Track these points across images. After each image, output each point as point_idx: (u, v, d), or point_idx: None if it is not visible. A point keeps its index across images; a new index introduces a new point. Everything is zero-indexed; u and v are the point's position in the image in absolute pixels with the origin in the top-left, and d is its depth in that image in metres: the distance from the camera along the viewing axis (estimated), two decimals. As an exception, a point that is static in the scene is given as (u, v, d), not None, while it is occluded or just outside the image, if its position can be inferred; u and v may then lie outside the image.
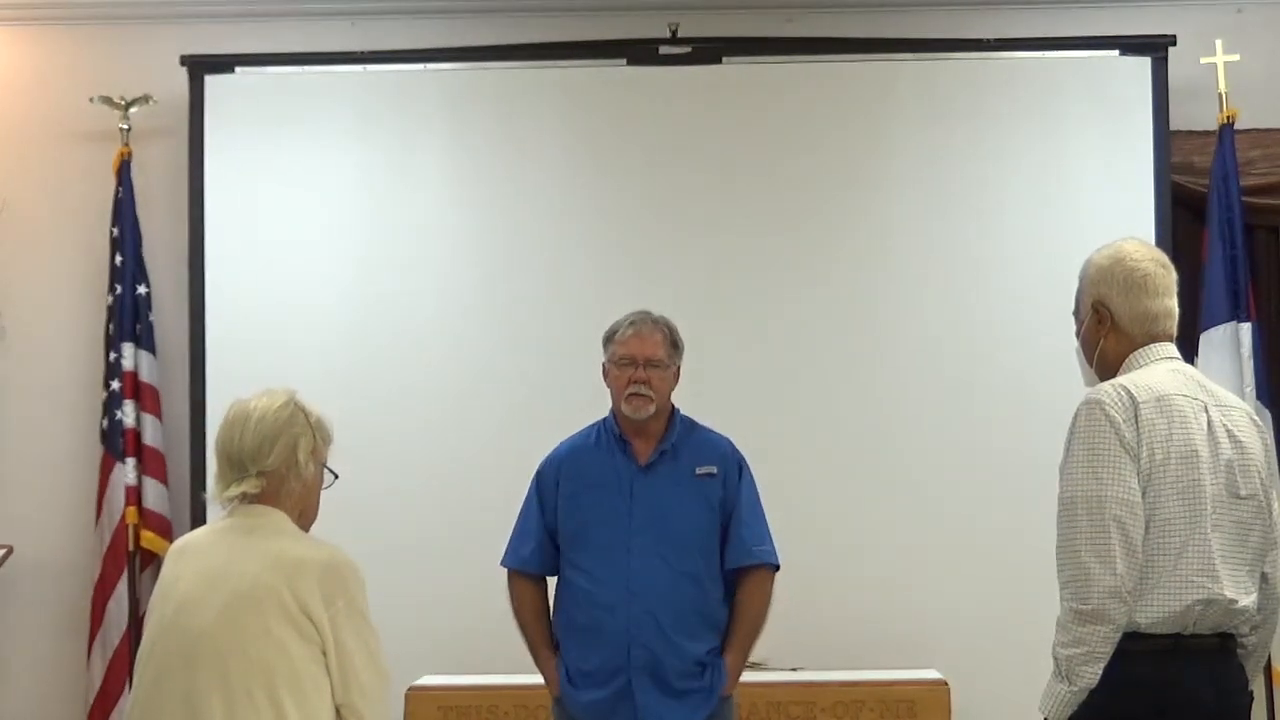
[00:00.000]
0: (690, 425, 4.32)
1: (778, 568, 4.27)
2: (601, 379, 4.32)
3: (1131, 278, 3.23)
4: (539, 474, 4.35)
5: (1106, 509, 3.02)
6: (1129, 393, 3.09)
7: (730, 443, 4.32)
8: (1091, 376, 3.30)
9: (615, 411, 4.28)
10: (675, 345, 4.29)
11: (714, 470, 4.23)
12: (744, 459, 4.30)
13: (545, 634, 4.27)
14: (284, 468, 3.14)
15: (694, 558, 4.17)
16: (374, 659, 3.09)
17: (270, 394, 3.21)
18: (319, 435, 3.21)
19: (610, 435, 4.29)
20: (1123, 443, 3.05)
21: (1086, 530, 3.03)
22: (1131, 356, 3.22)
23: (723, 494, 4.22)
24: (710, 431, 4.35)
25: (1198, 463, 3.08)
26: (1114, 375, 3.20)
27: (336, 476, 3.27)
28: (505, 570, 4.35)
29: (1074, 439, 3.10)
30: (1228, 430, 3.16)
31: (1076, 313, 3.35)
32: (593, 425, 4.36)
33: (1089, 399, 3.12)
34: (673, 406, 4.31)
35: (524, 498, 4.36)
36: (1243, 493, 3.13)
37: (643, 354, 4.21)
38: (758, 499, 4.28)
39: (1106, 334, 3.25)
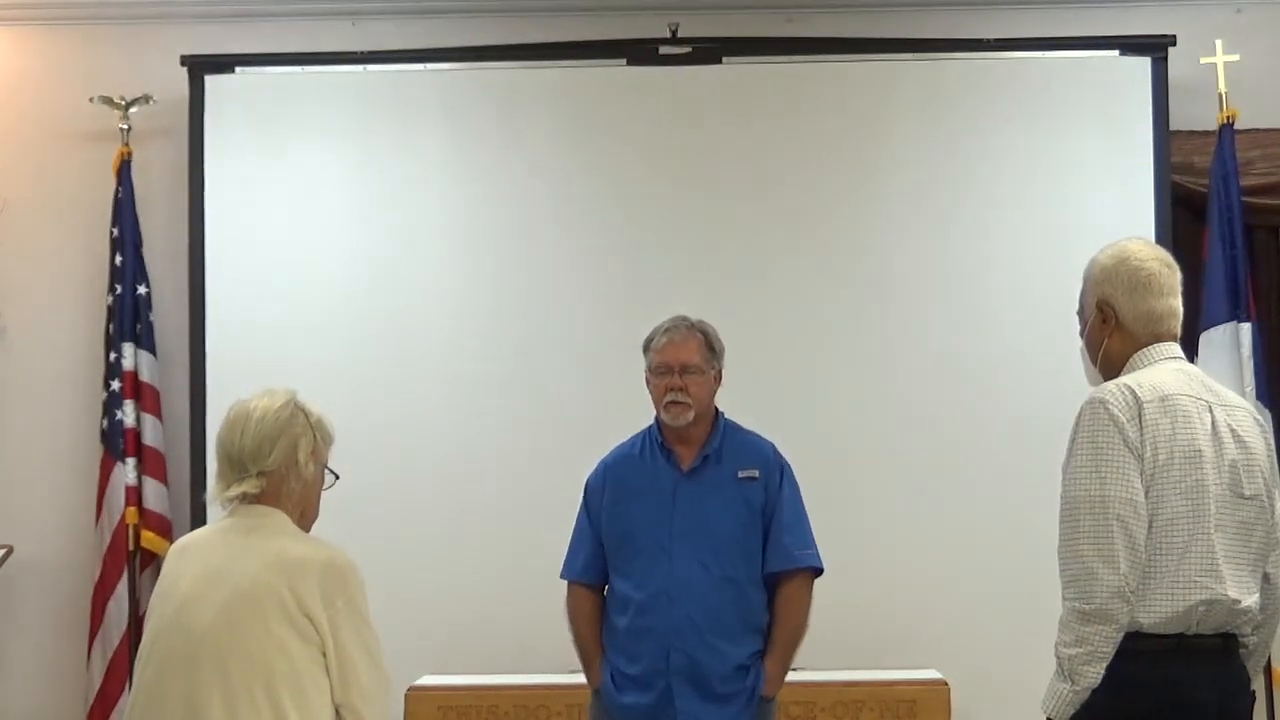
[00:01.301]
0: (734, 429, 4.30)
1: (820, 571, 4.24)
2: (637, 385, 4.32)
3: (1136, 277, 3.23)
4: (587, 485, 4.34)
5: (1110, 508, 3.02)
6: (1133, 392, 3.09)
7: (773, 446, 4.30)
8: (1095, 376, 3.30)
9: (657, 419, 4.27)
10: (713, 349, 4.27)
11: (755, 474, 4.20)
12: (786, 463, 4.27)
13: (596, 643, 4.24)
14: (284, 468, 3.14)
15: (734, 562, 4.15)
16: (373, 659, 3.09)
17: (271, 394, 3.21)
18: (319, 435, 3.21)
19: (654, 443, 4.27)
20: (1126, 442, 3.05)
21: (1090, 530, 3.02)
22: (1135, 356, 3.21)
23: (764, 497, 4.19)
24: (753, 435, 4.32)
25: (1201, 462, 3.08)
26: (1118, 374, 3.20)
27: (337, 477, 3.27)
28: (554, 580, 4.33)
29: (1078, 438, 3.10)
30: (1232, 430, 3.15)
31: (1081, 312, 3.34)
32: (638, 434, 4.34)
33: (1093, 398, 3.11)
34: (716, 410, 4.29)
35: (577, 511, 4.36)
36: (1246, 493, 3.13)
37: (678, 360, 4.19)
38: (801, 503, 4.25)
39: (1111, 333, 3.25)
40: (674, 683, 4.10)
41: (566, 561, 4.32)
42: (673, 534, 4.15)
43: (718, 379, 4.29)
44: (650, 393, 4.26)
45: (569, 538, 4.35)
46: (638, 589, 4.15)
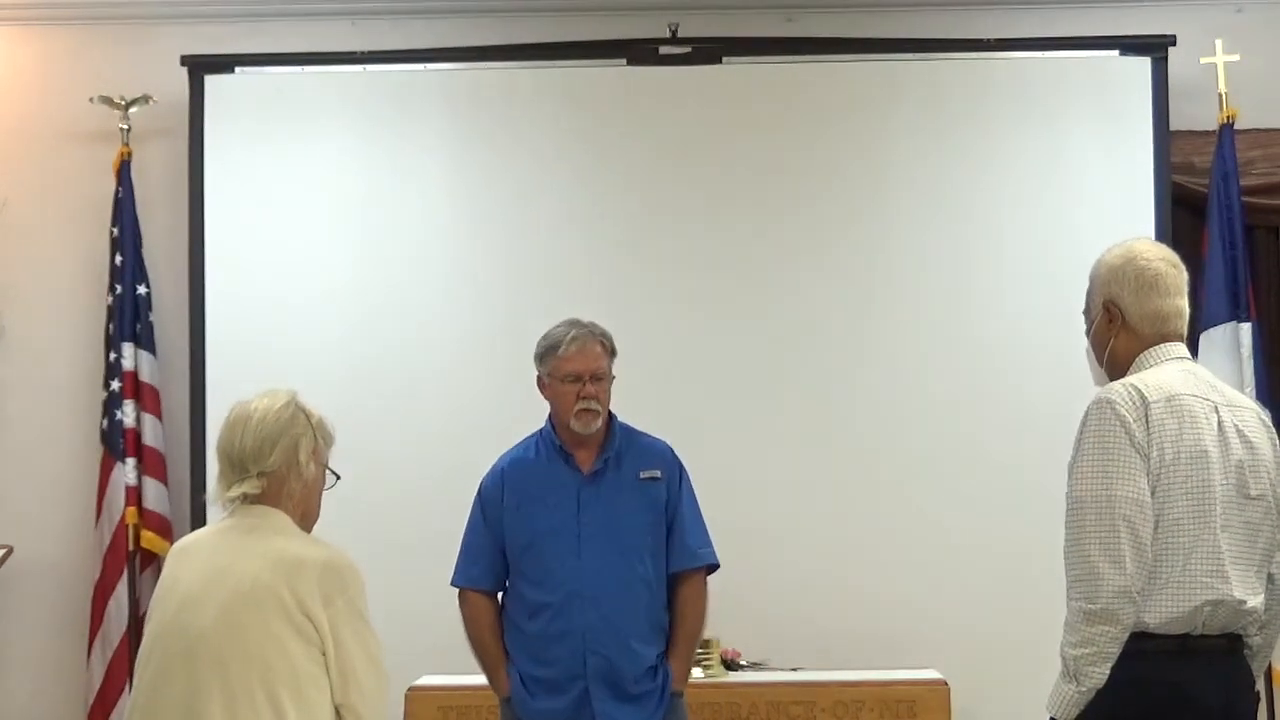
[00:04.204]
0: (630, 432, 4.31)
1: (716, 567, 4.28)
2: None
3: (1143, 277, 3.23)
4: (481, 491, 4.31)
5: (1116, 508, 3.02)
6: (1139, 392, 3.09)
7: (670, 447, 4.32)
8: (1101, 375, 3.30)
9: (556, 424, 4.25)
10: (613, 353, 4.28)
11: (658, 474, 4.23)
12: (683, 464, 4.30)
13: (500, 649, 4.25)
14: (285, 468, 3.14)
15: (644, 562, 4.17)
16: (373, 659, 3.09)
17: (271, 395, 3.21)
18: (320, 436, 3.21)
19: (551, 447, 4.26)
20: (1133, 442, 3.05)
21: (1095, 530, 3.02)
22: (1141, 356, 3.21)
23: (666, 497, 4.22)
24: (649, 437, 4.34)
25: (1208, 463, 3.08)
26: (1124, 374, 3.20)
27: (339, 477, 3.27)
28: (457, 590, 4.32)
29: (1084, 438, 3.09)
30: (1238, 430, 3.15)
31: (1087, 311, 3.34)
32: (530, 437, 4.33)
33: (1099, 398, 3.11)
34: (610, 414, 4.29)
35: (468, 516, 4.33)
36: (1252, 493, 3.13)
37: (588, 369, 4.19)
38: (697, 502, 4.29)
39: (1117, 333, 3.24)
40: (591, 685, 4.11)
41: (460, 569, 4.29)
42: (581, 536, 4.15)
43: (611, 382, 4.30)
44: (550, 399, 4.24)
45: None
46: (550, 592, 4.14)
